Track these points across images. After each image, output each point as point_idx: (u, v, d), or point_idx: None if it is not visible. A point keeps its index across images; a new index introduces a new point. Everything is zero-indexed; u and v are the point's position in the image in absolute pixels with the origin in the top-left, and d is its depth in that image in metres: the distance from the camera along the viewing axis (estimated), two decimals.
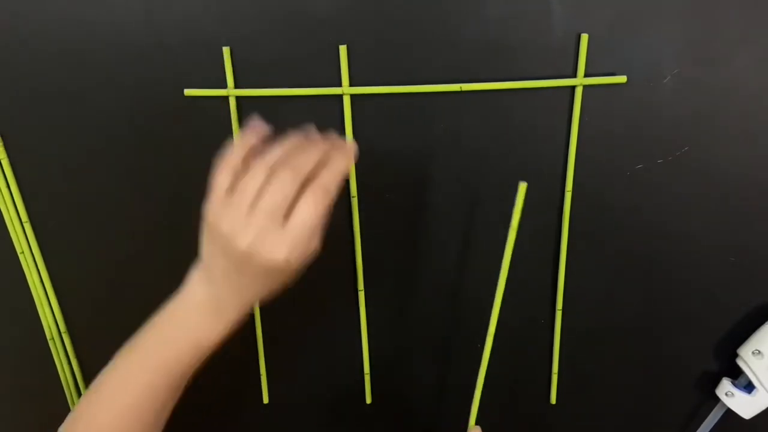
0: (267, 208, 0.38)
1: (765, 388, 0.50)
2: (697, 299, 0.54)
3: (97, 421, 0.45)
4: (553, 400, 0.58)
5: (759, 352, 0.50)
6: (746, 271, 0.53)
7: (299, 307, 0.56)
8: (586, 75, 0.47)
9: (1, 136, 0.51)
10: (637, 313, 0.55)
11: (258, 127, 0.42)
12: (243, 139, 0.41)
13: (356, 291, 0.55)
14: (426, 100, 0.48)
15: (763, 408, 0.52)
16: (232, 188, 0.40)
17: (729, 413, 0.53)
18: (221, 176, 0.41)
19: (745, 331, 0.55)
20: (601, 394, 0.59)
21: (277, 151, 0.40)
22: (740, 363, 0.52)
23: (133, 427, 0.44)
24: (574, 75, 0.47)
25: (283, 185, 0.38)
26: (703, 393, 0.57)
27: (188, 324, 0.43)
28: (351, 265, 0.54)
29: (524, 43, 0.46)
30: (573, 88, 0.47)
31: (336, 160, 0.41)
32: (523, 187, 0.44)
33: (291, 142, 0.41)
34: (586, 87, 0.47)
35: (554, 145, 0.50)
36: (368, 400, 0.60)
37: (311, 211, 0.39)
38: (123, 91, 0.49)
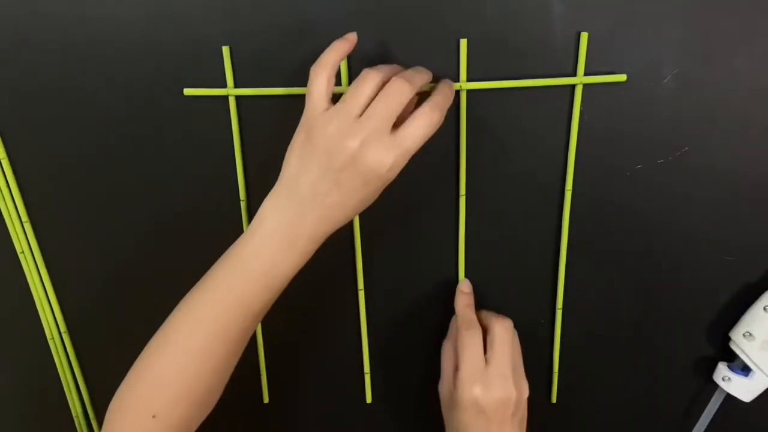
0: (382, 113, 0.39)
1: (761, 370, 0.50)
2: (696, 298, 0.54)
3: (166, 368, 0.42)
4: (554, 399, 0.58)
5: (750, 334, 0.50)
6: (746, 271, 0.53)
7: (299, 306, 0.56)
8: (586, 74, 0.47)
9: (1, 136, 0.51)
10: (637, 313, 0.55)
11: (351, 39, 0.42)
12: (337, 45, 0.42)
13: (356, 291, 0.55)
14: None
15: (761, 390, 0.52)
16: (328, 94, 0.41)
17: (730, 399, 0.53)
18: (320, 81, 0.41)
19: None
20: (601, 393, 0.59)
21: (386, 66, 0.41)
22: (733, 347, 0.52)
23: (204, 372, 0.42)
24: (574, 74, 0.47)
25: (401, 92, 0.39)
26: (706, 391, 0.57)
27: (261, 256, 0.41)
28: (351, 265, 0.54)
29: (524, 42, 0.46)
30: (573, 86, 0.47)
31: (444, 86, 0.42)
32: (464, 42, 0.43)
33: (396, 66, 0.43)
34: (586, 86, 0.47)
35: (554, 144, 0.50)
36: (368, 400, 0.60)
37: (425, 125, 0.40)
38: (123, 90, 0.49)
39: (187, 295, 0.44)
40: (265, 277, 0.42)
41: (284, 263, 0.42)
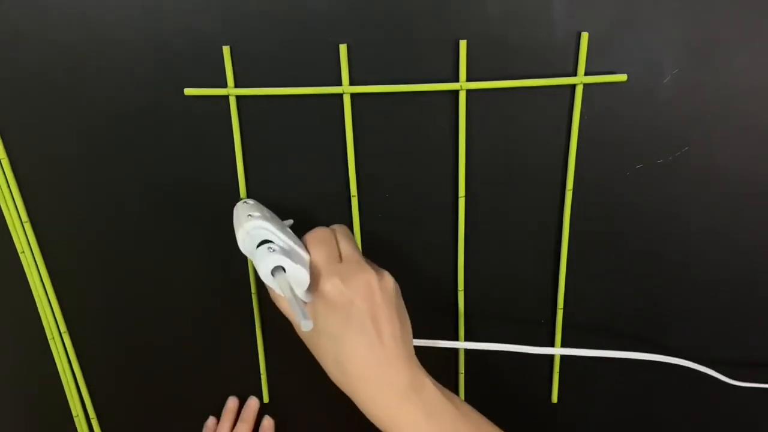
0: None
1: None
2: (696, 298, 0.54)
3: None
4: (554, 399, 0.58)
5: None
6: (746, 271, 0.53)
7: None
8: (587, 74, 0.47)
9: (1, 136, 0.51)
10: (638, 313, 0.55)
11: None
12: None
13: None
14: (426, 100, 0.48)
15: None
16: None
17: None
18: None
19: (745, 330, 0.55)
20: (601, 393, 0.59)
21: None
22: None
23: None
24: (574, 74, 0.47)
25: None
26: (704, 391, 0.57)
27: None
28: None
29: (524, 42, 0.46)
30: (573, 86, 0.47)
31: None
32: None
33: None
34: (586, 86, 0.47)
35: (554, 144, 0.50)
36: None
37: None
38: (123, 90, 0.49)
39: None
40: None
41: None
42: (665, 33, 0.46)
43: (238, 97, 0.49)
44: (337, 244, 0.45)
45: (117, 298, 0.57)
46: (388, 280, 0.44)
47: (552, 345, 0.56)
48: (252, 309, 0.56)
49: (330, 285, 0.41)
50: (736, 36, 0.46)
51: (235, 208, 0.49)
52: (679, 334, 0.56)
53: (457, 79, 0.47)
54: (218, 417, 0.61)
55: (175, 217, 0.53)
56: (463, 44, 0.46)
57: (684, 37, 0.46)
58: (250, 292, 0.55)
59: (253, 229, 0.44)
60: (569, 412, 0.59)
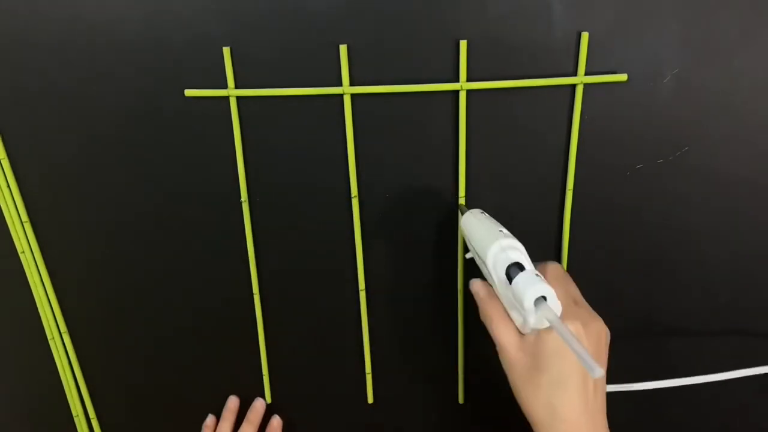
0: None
1: None
2: (697, 299, 0.54)
3: None
4: None
5: None
6: (746, 271, 0.53)
7: (300, 307, 0.56)
8: (587, 74, 0.47)
9: (1, 136, 0.51)
10: (637, 313, 0.55)
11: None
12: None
13: (356, 291, 0.55)
14: (426, 100, 0.48)
15: None
16: None
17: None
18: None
19: (745, 331, 0.55)
20: None
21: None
22: None
23: None
24: (574, 73, 0.47)
25: None
26: (704, 392, 0.57)
27: None
28: (351, 265, 0.54)
29: (525, 42, 0.46)
30: (573, 86, 0.47)
31: None
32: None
33: None
34: (586, 86, 0.47)
35: (554, 144, 0.50)
36: (370, 400, 0.60)
37: None
38: (123, 91, 0.49)
39: None
40: None
41: None
42: (665, 33, 0.46)
43: (239, 98, 0.49)
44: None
45: (117, 298, 0.57)
46: (608, 332, 0.44)
47: None
48: (254, 308, 0.56)
49: (573, 328, 0.41)
50: (736, 36, 0.46)
51: (470, 214, 0.47)
52: (677, 333, 0.56)
53: (457, 79, 0.47)
54: (218, 417, 0.61)
55: (175, 217, 0.53)
56: (463, 44, 0.46)
57: (684, 37, 0.46)
58: (252, 292, 0.55)
59: (510, 248, 0.42)
60: None
